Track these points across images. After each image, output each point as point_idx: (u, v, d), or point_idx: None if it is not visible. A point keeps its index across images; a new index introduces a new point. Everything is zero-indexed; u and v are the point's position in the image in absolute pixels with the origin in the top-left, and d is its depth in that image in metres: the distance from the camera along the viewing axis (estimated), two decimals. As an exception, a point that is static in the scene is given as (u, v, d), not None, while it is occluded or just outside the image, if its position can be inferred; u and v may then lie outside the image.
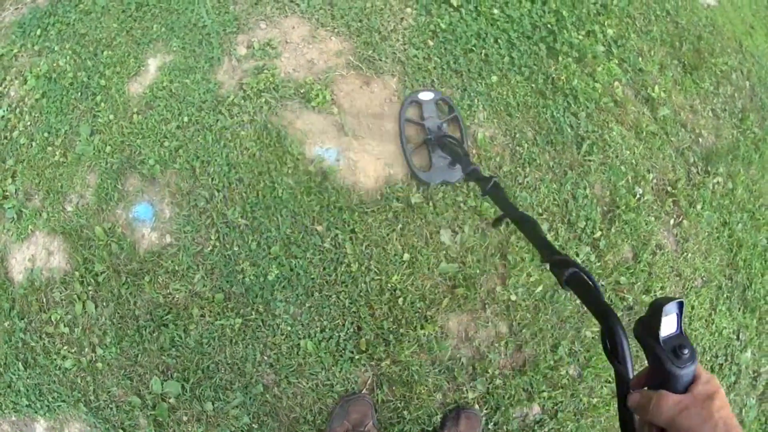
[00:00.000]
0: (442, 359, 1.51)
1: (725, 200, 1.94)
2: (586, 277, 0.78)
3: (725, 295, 1.85)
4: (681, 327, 0.61)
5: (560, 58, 1.85)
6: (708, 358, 1.79)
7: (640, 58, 1.99)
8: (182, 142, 1.67)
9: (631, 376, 0.64)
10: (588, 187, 1.72)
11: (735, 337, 1.86)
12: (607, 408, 1.60)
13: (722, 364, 1.83)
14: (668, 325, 0.60)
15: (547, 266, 0.86)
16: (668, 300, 0.60)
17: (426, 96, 1.69)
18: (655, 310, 0.61)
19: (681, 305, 0.61)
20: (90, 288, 1.60)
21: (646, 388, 0.62)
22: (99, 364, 1.55)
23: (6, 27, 2.06)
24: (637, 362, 0.64)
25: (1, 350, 1.63)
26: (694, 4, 2.29)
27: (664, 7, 2.16)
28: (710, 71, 2.13)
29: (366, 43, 1.78)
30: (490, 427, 1.52)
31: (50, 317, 1.61)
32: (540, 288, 1.59)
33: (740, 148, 2.05)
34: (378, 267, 1.53)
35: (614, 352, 0.65)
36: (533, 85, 1.80)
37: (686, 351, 0.58)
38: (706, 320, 1.81)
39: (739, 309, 1.88)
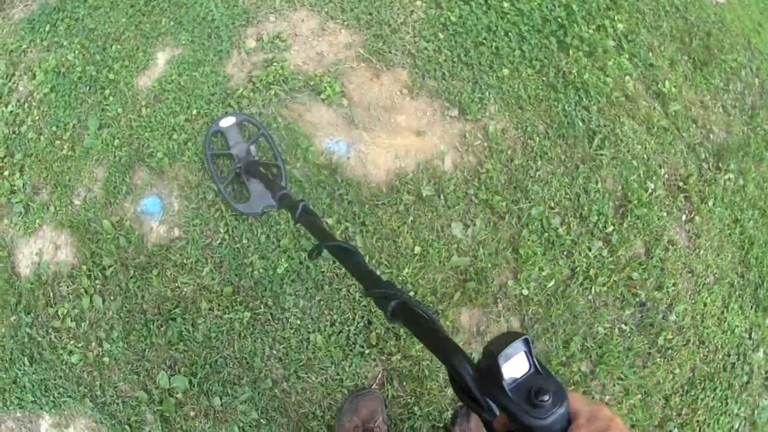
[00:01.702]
0: (453, 354, 1.49)
1: (736, 197, 1.93)
2: (417, 309, 0.67)
3: (737, 293, 1.83)
4: (535, 364, 0.50)
5: (571, 52, 1.84)
6: (720, 357, 1.77)
7: (650, 53, 1.98)
8: (191, 135, 1.66)
9: (496, 414, 0.51)
10: (600, 182, 1.71)
11: (747, 336, 1.83)
12: (619, 406, 1.58)
13: (734, 363, 1.80)
14: (513, 369, 0.49)
15: (371, 300, 0.77)
16: (505, 342, 0.49)
17: (227, 122, 1.59)
18: (489, 358, 0.49)
19: (527, 342, 0.50)
20: (97, 282, 1.58)
21: None
22: (106, 359, 1.53)
23: (15, 23, 2.06)
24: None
25: (6, 345, 1.61)
26: (703, 0, 2.28)
27: (674, 2, 2.16)
28: (720, 67, 2.12)
29: (376, 35, 1.77)
30: (502, 423, 1.49)
31: (57, 312, 1.59)
32: (552, 282, 1.57)
33: (751, 145, 2.03)
34: (389, 260, 1.51)
35: (468, 394, 0.53)
36: (544, 79, 1.79)
37: (546, 397, 0.46)
38: (718, 318, 1.79)
39: (752, 307, 1.86)
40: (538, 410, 0.46)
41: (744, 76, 2.18)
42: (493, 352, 0.49)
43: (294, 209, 1.05)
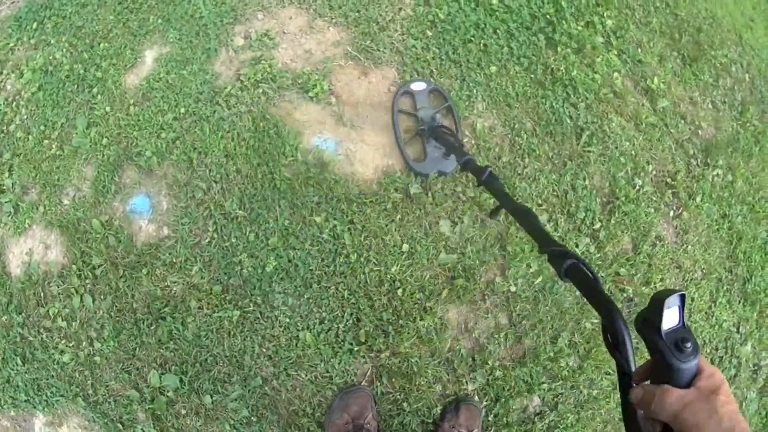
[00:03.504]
0: (441, 351, 1.51)
1: (725, 192, 1.94)
2: (585, 269, 0.77)
3: (725, 288, 1.85)
4: (683, 320, 0.60)
5: (559, 49, 1.84)
6: (708, 351, 1.79)
7: (639, 50, 1.98)
8: (179, 134, 1.66)
9: (633, 370, 0.63)
10: (587, 178, 1.72)
11: (735, 329, 1.85)
12: (607, 400, 1.60)
13: (722, 357, 1.82)
14: (670, 319, 0.59)
15: (546, 257, 0.85)
16: (670, 293, 0.59)
17: (418, 86, 1.68)
18: (657, 304, 0.59)
19: (683, 298, 0.60)
20: (87, 281, 1.59)
21: (648, 383, 0.61)
22: (97, 358, 1.54)
23: (2, 21, 2.04)
24: (638, 354, 0.63)
25: (-2, 345, 1.62)
26: (694, -4, 2.28)
27: (664, -2, 2.16)
28: (710, 63, 2.12)
29: (364, 33, 1.77)
30: (490, 418, 1.51)
31: (48, 311, 1.60)
32: (540, 279, 1.59)
33: (740, 140, 2.04)
34: (377, 258, 1.52)
35: (616, 346, 0.64)
36: (532, 76, 1.79)
37: (689, 344, 0.57)
38: (706, 313, 1.81)
39: (740, 302, 1.87)
40: (682, 354, 0.57)
41: (734, 72, 2.19)
42: (661, 298, 0.59)
43: (480, 173, 1.14)
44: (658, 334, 0.58)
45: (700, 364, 0.58)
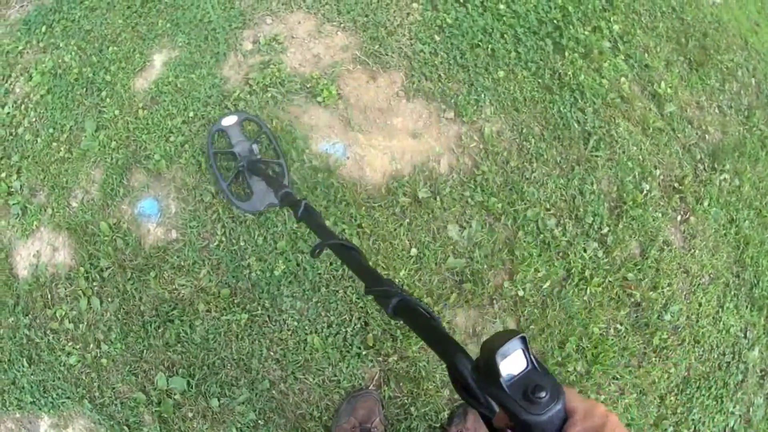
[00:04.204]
0: (449, 355, 1.50)
1: (732, 197, 1.93)
2: (419, 308, 0.68)
3: (732, 293, 1.84)
4: (533, 361, 0.51)
5: (567, 54, 1.85)
6: (715, 356, 1.78)
7: (646, 54, 1.98)
8: (188, 137, 1.66)
9: (495, 411, 0.54)
10: (595, 183, 1.72)
11: (742, 335, 1.85)
12: (615, 406, 1.59)
13: (729, 362, 1.81)
14: (512, 365, 0.50)
15: (371, 298, 0.78)
16: (504, 339, 0.50)
17: (229, 121, 1.60)
18: (487, 355, 0.50)
19: (524, 339, 0.51)
20: (95, 284, 1.59)
21: None
22: (104, 360, 1.54)
23: (11, 24, 2.05)
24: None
25: (5, 346, 1.62)
26: (699, 1, 2.28)
27: (670, 3, 2.16)
28: (716, 68, 2.12)
29: (372, 38, 1.78)
30: (497, 423, 1.50)
31: (55, 313, 1.60)
32: (548, 284, 1.58)
33: (747, 145, 2.04)
34: (385, 262, 1.52)
35: (466, 391, 0.55)
36: (540, 81, 1.80)
37: (543, 393, 0.47)
38: (713, 318, 1.80)
39: (747, 307, 1.87)
40: (535, 406, 0.47)
41: (740, 76, 2.19)
42: (491, 349, 0.50)
43: (296, 207, 1.06)
44: (500, 387, 0.49)
45: (568, 406, 0.49)
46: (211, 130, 1.61)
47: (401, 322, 0.70)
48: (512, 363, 0.50)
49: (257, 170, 1.46)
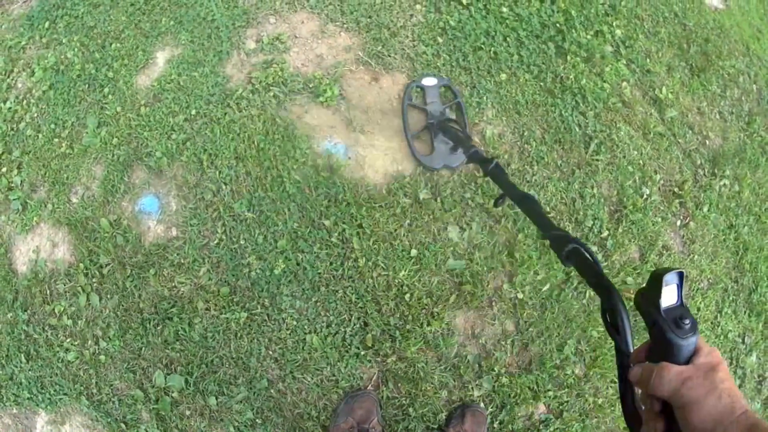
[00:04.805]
0: (448, 356, 1.50)
1: (732, 203, 1.94)
2: (586, 253, 0.78)
3: (731, 298, 1.85)
4: (682, 298, 0.60)
5: (569, 58, 1.85)
6: (713, 361, 1.78)
7: (647, 59, 1.99)
8: (190, 135, 1.66)
9: (631, 350, 0.63)
10: (595, 187, 1.72)
11: (740, 340, 1.85)
12: (612, 408, 1.59)
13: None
14: (669, 296, 0.60)
15: (547, 242, 0.86)
16: (668, 270, 0.60)
17: (429, 81, 1.69)
18: (656, 280, 0.60)
19: (681, 275, 0.60)
20: (94, 280, 1.59)
21: (647, 362, 0.61)
22: (102, 357, 1.54)
23: (15, 19, 2.05)
24: (636, 337, 0.63)
25: (3, 342, 1.62)
26: (702, 6, 2.29)
27: (672, 9, 2.17)
28: (717, 74, 2.13)
29: (375, 38, 1.78)
30: (495, 425, 1.50)
31: (54, 309, 1.60)
32: (547, 286, 1.59)
33: (747, 151, 2.04)
34: (385, 262, 1.52)
35: (615, 326, 0.65)
36: (542, 84, 1.80)
37: (687, 321, 0.58)
38: (711, 323, 1.80)
39: (745, 312, 1.87)
40: (680, 331, 0.57)
41: (742, 83, 2.19)
42: (659, 275, 0.59)
43: (486, 164, 1.16)
44: (657, 310, 0.59)
45: (698, 342, 0.58)
46: (411, 84, 1.69)
47: (570, 265, 0.79)
48: (669, 294, 0.59)
49: (447, 129, 1.53)
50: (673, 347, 0.57)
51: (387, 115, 1.69)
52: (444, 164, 1.59)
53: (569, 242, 0.79)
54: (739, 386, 1.81)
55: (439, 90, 1.70)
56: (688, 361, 0.57)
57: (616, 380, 1.61)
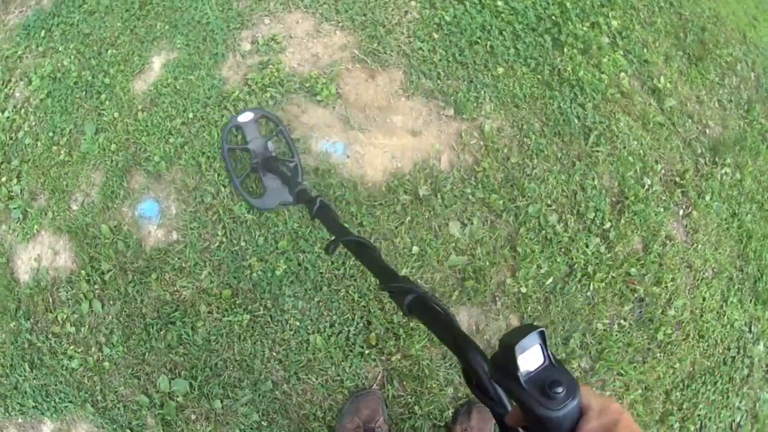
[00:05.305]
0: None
1: (734, 191, 1.93)
2: (434, 304, 0.68)
3: (736, 287, 1.83)
4: (550, 357, 0.50)
5: (565, 50, 1.84)
6: (720, 351, 1.77)
7: (645, 50, 1.98)
8: (187, 139, 1.66)
9: (508, 409, 0.54)
10: (596, 178, 1.71)
11: (747, 329, 1.84)
12: (620, 401, 1.58)
13: (734, 357, 1.80)
14: (529, 361, 0.50)
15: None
16: (522, 333, 0.49)
17: (245, 117, 1.60)
18: (506, 350, 0.50)
19: (543, 334, 0.50)
20: (96, 287, 1.59)
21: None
22: (106, 364, 1.54)
23: (11, 29, 2.06)
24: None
25: (7, 351, 1.62)
26: (697, -5, 2.28)
27: (668, -2, 2.16)
28: (715, 62, 2.12)
29: (371, 36, 1.78)
30: (502, 421, 1.49)
31: (56, 317, 1.59)
32: (550, 280, 1.58)
33: (747, 138, 2.03)
34: (387, 260, 1.51)
35: (480, 389, 0.56)
36: (539, 77, 1.79)
37: (560, 389, 0.47)
38: (717, 312, 1.79)
39: (751, 301, 1.86)
40: (552, 402, 0.47)
41: (739, 71, 2.18)
42: (510, 344, 0.49)
43: (312, 204, 1.07)
44: (517, 383, 0.49)
45: (583, 402, 0.48)
46: (227, 126, 1.61)
47: (414, 319, 0.69)
48: (530, 358, 0.50)
49: (272, 167, 1.46)
50: (547, 422, 0.47)
51: (384, 113, 1.69)
52: (279, 202, 1.52)
53: (410, 293, 0.70)
54: (747, 376, 1.79)
55: (257, 123, 1.60)
56: (573, 429, 0.48)
57: (623, 372, 1.60)
